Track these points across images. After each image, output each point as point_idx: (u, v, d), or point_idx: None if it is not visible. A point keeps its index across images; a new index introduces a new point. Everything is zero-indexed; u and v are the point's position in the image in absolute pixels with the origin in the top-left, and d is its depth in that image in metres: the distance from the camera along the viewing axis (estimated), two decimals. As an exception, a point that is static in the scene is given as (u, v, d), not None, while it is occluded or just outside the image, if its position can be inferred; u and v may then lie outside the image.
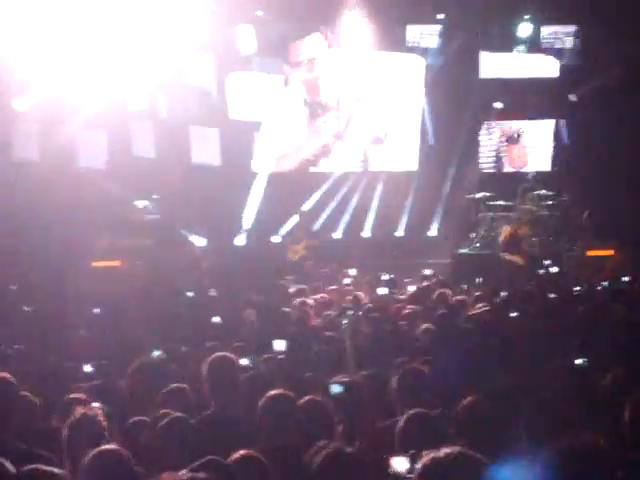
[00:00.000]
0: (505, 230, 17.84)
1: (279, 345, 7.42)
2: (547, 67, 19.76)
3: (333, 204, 19.57)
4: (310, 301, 11.70)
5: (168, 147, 18.53)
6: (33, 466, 3.75)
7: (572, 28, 19.53)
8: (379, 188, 19.71)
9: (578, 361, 6.21)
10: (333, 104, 19.26)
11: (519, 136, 20.21)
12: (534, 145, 20.29)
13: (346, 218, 19.64)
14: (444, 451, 2.83)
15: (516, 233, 17.55)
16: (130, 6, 16.99)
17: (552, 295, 11.74)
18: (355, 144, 19.55)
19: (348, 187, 19.69)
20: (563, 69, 19.60)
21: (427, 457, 2.84)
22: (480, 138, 20.29)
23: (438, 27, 19.28)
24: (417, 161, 19.80)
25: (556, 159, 19.96)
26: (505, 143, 20.26)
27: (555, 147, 20.11)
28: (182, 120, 18.74)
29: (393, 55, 19.44)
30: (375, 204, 19.66)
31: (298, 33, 18.87)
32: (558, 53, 19.74)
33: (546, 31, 19.57)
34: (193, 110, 18.73)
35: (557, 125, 20.12)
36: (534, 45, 19.63)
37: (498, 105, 19.83)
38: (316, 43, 18.98)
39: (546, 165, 20.08)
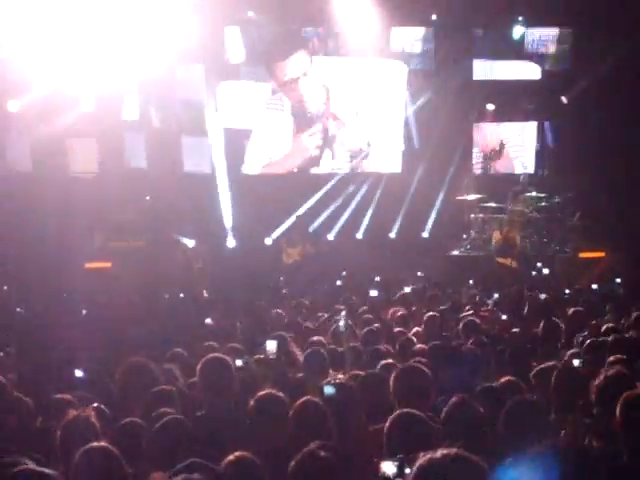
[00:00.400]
0: (496, 235, 17.87)
1: (271, 346, 7.43)
2: (530, 71, 19.86)
3: (328, 207, 19.57)
4: (306, 302, 11.75)
5: (160, 157, 18.60)
6: (25, 466, 3.74)
7: (555, 32, 19.64)
8: (373, 191, 19.73)
9: (575, 362, 6.21)
10: (319, 116, 19.36)
11: (502, 148, 20.25)
12: (518, 148, 20.36)
13: (341, 221, 19.64)
14: (441, 452, 2.83)
15: (507, 237, 17.59)
16: (119, 18, 16.99)
17: (543, 296, 11.79)
18: (342, 151, 19.63)
19: (343, 190, 19.70)
20: (555, 71, 19.64)
21: (424, 458, 2.84)
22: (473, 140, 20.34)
23: (422, 31, 19.33)
24: (400, 164, 19.92)
25: (540, 161, 20.03)
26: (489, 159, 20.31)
27: (539, 149, 20.19)
28: (174, 130, 18.81)
29: (377, 61, 19.53)
30: (369, 207, 19.67)
31: (283, 52, 19.02)
32: (541, 58, 19.85)
33: (530, 37, 19.65)
34: (185, 120, 18.78)
35: (541, 127, 20.19)
36: (519, 50, 19.73)
37: (490, 107, 19.88)
38: (300, 62, 19.14)
39: (530, 167, 20.17)
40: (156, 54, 17.44)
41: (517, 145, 20.34)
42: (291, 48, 19.07)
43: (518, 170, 20.03)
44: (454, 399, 4.63)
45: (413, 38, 19.40)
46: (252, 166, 19.53)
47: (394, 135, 19.88)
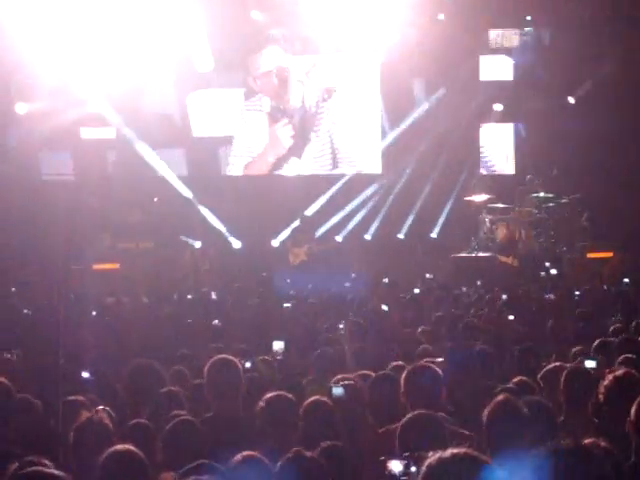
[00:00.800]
0: (502, 231, 17.84)
1: (278, 346, 7.43)
2: (502, 70, 19.89)
3: (339, 209, 19.55)
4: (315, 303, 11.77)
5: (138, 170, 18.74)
6: (34, 468, 3.74)
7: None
8: (386, 193, 19.72)
9: (590, 364, 6.18)
10: (294, 108, 19.37)
11: None
12: (495, 149, 20.39)
13: (352, 222, 19.60)
14: (450, 451, 2.83)
15: (512, 235, 17.57)
16: (85, 36, 17.10)
17: (551, 296, 11.78)
18: (321, 146, 19.63)
19: (348, 190, 19.68)
20: (560, 71, 19.58)
21: (433, 457, 2.84)
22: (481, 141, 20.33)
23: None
24: (380, 164, 19.92)
25: (519, 162, 20.08)
26: None
27: (516, 150, 20.22)
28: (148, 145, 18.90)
29: (348, 56, 19.54)
30: (382, 209, 19.64)
31: (254, 45, 19.10)
32: (507, 53, 19.84)
33: (493, 33, 19.66)
34: (157, 134, 18.83)
35: (517, 128, 20.21)
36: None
37: (498, 107, 19.84)
38: (272, 55, 19.25)
39: (510, 168, 20.21)
40: (126, 68, 17.52)
41: (492, 147, 20.39)
42: (262, 43, 19.15)
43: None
44: (499, 398, 4.55)
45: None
46: (236, 167, 19.68)
47: (370, 132, 19.88)
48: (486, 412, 4.44)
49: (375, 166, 20.07)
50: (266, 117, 19.39)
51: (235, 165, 19.76)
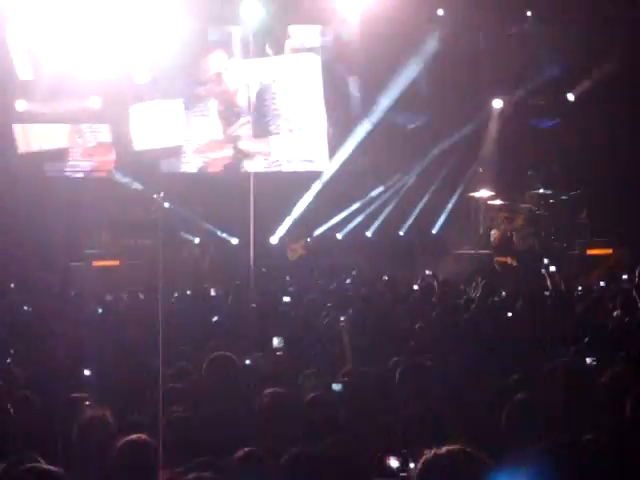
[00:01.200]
0: (494, 233, 17.84)
1: (277, 343, 7.44)
2: None
3: (333, 205, 19.54)
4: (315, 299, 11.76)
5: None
6: (31, 465, 3.75)
7: None
8: (394, 192, 19.73)
9: (589, 361, 6.19)
10: (246, 110, 19.38)
11: None
12: None
13: (350, 218, 19.59)
14: (446, 448, 2.85)
15: (505, 234, 17.56)
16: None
17: (551, 293, 11.78)
18: (271, 144, 19.62)
19: (349, 187, 19.67)
20: (562, 68, 19.59)
21: (429, 454, 2.86)
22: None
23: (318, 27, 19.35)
24: (327, 161, 19.86)
25: None
26: None
27: None
28: None
29: (287, 57, 19.56)
30: (387, 206, 19.64)
31: (200, 49, 19.07)
32: None
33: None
34: None
35: None
36: None
37: (498, 104, 19.82)
38: (220, 58, 19.26)
39: None
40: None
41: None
42: (205, 48, 19.19)
43: None
44: (519, 396, 4.54)
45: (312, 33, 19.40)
46: (188, 169, 19.63)
47: (317, 130, 19.82)
48: (507, 410, 4.44)
49: (323, 164, 19.98)
50: (217, 120, 19.35)
51: (188, 167, 19.70)
